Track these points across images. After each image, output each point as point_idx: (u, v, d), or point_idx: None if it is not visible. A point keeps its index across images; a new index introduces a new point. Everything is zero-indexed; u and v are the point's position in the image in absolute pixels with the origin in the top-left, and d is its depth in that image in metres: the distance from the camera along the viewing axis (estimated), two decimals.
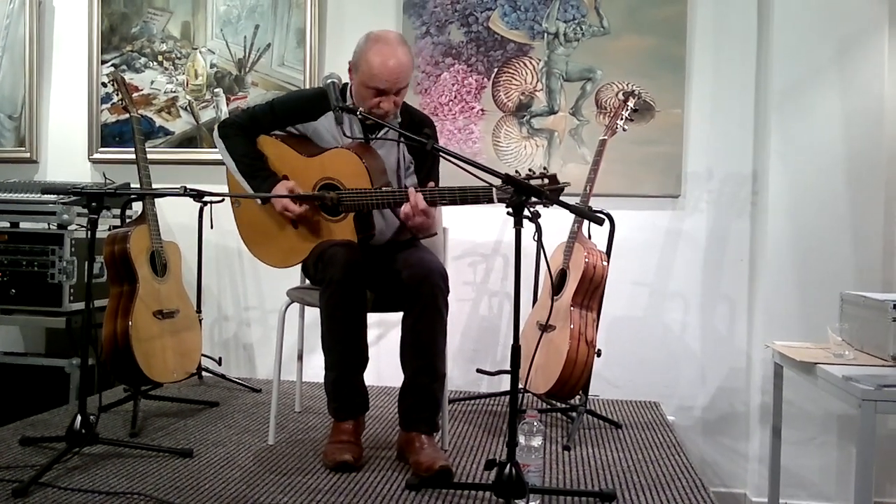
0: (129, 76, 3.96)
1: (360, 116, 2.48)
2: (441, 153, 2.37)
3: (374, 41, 2.57)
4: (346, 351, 2.55)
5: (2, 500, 2.17)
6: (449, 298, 2.55)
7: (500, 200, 2.21)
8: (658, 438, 3.01)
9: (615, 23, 3.65)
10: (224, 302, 3.99)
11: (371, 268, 2.56)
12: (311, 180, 2.65)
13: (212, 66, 3.95)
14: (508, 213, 2.10)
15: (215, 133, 2.78)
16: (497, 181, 2.19)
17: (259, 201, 2.69)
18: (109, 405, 3.10)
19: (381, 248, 2.71)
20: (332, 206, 2.59)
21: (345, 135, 2.62)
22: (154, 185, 3.21)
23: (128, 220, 3.24)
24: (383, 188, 2.59)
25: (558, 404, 3.26)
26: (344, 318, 2.52)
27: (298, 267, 3.06)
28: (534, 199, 2.09)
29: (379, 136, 2.70)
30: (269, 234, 2.74)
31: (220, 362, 3.74)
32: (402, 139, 2.64)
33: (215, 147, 3.85)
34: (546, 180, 2.14)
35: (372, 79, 2.54)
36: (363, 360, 2.59)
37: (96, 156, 4.04)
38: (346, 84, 2.73)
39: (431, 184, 2.59)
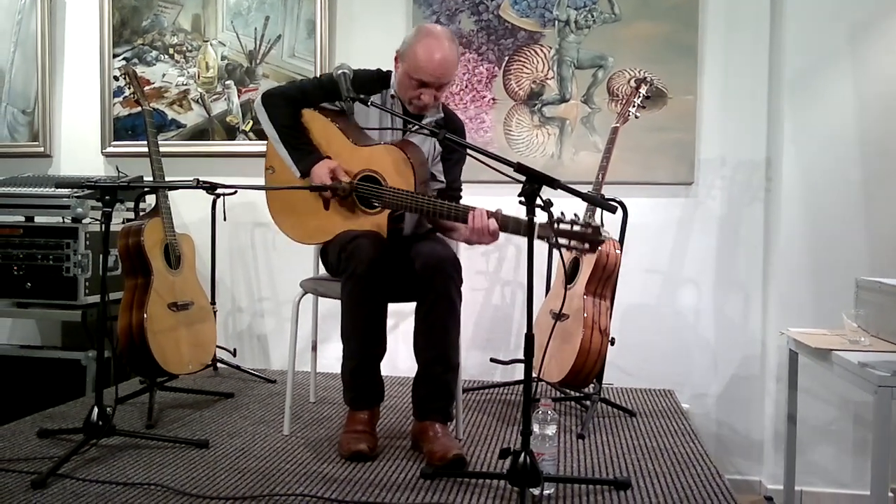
0: (140, 69, 3.97)
1: (370, 106, 2.47)
2: (452, 142, 2.36)
3: (425, 34, 2.59)
4: (365, 341, 2.56)
5: (21, 492, 2.19)
6: (462, 288, 2.55)
7: (539, 237, 2.20)
8: (672, 426, 3.00)
9: (626, 9, 3.62)
10: (238, 293, 4.01)
11: (388, 258, 2.57)
12: (355, 169, 2.64)
13: (223, 58, 3.96)
14: (521, 203, 2.10)
15: (258, 101, 2.75)
16: (509, 169, 2.18)
17: (297, 175, 2.67)
18: (126, 397, 3.12)
19: (399, 240, 2.71)
20: (367, 198, 2.59)
21: (360, 126, 2.62)
22: (167, 178, 3.22)
23: (141, 213, 3.26)
24: (422, 191, 2.59)
25: (572, 393, 3.26)
26: (365, 310, 2.52)
27: (311, 258, 3.07)
28: (576, 242, 2.12)
29: (382, 119, 2.72)
30: (298, 208, 2.73)
31: (234, 353, 3.76)
32: (412, 129, 2.64)
33: (227, 139, 3.94)
34: (590, 229, 2.15)
35: (417, 70, 2.56)
36: (381, 351, 2.60)
37: (109, 149, 4.06)
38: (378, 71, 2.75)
39: (487, 210, 2.54)
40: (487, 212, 2.45)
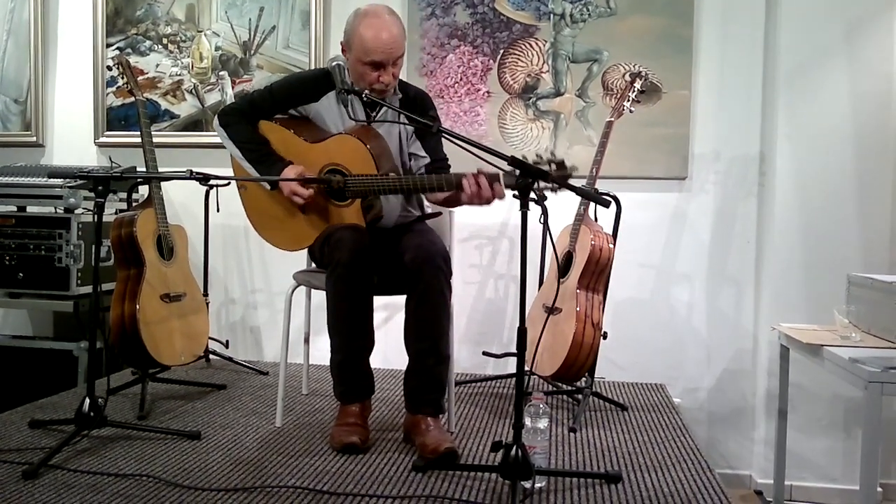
0: (133, 59, 3.96)
1: (365, 98, 2.46)
2: (446, 135, 2.35)
3: (364, 16, 2.56)
4: (352, 334, 2.55)
5: (12, 482, 2.19)
6: (455, 281, 2.55)
7: (507, 186, 2.18)
8: (664, 420, 3.01)
9: (622, 3, 3.62)
10: (231, 285, 4.00)
11: (375, 250, 2.56)
12: (317, 166, 2.63)
13: (217, 48, 3.94)
14: (514, 196, 2.09)
15: (215, 122, 2.75)
16: (503, 163, 2.17)
17: (268, 186, 2.68)
18: (117, 388, 3.12)
19: (387, 231, 2.71)
20: (339, 190, 2.58)
21: (350, 116, 2.61)
22: (160, 169, 3.21)
23: (134, 204, 3.25)
24: (390, 174, 2.58)
25: (564, 386, 3.27)
26: (350, 301, 2.52)
27: (304, 250, 3.07)
28: (543, 184, 2.08)
29: (379, 116, 2.69)
30: (277, 218, 2.73)
31: (227, 345, 3.76)
32: (406, 122, 2.64)
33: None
34: (553, 166, 2.13)
35: (367, 53, 2.53)
36: (369, 344, 2.60)
37: (102, 139, 4.05)
38: None
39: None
40: (469, 178, 2.38)
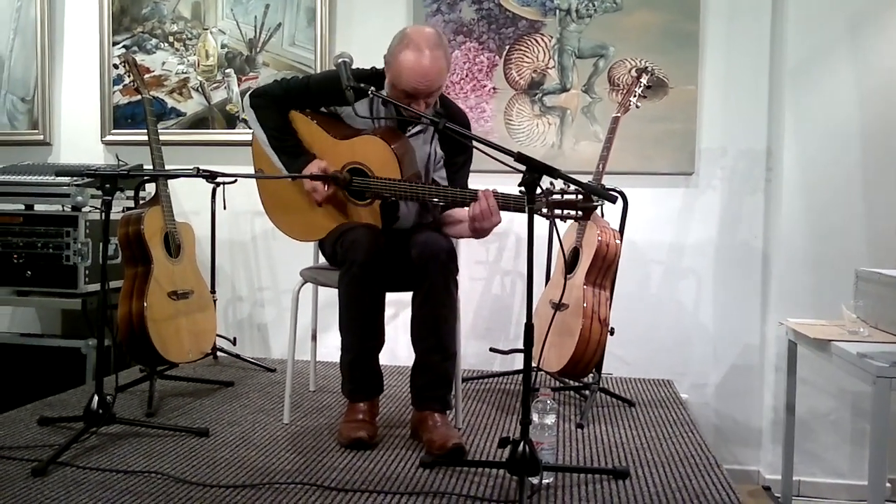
0: (140, 57, 3.96)
1: (371, 95, 2.45)
2: (452, 132, 2.35)
3: (407, 44, 2.49)
4: (363, 333, 2.56)
5: (21, 479, 2.20)
6: (462, 277, 2.55)
7: (531, 211, 2.17)
8: (671, 416, 3.01)
9: None
10: (238, 282, 4.01)
11: (387, 249, 2.56)
12: (339, 163, 2.62)
13: (223, 46, 3.94)
14: (521, 192, 2.10)
15: (246, 102, 2.73)
16: (509, 159, 2.17)
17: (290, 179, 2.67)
18: (126, 385, 3.13)
19: (401, 232, 2.69)
20: (359, 190, 2.58)
21: (357, 114, 2.60)
22: (167, 167, 3.22)
23: (141, 202, 3.26)
24: (414, 181, 2.57)
25: (571, 382, 3.27)
26: (363, 300, 2.52)
27: (311, 247, 3.07)
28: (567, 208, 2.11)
29: (413, 132, 2.68)
30: (292, 206, 2.72)
31: (234, 342, 3.76)
32: (416, 119, 2.61)
33: (227, 128, 3.94)
34: (580, 196, 2.13)
35: (401, 83, 2.49)
36: (379, 343, 2.60)
37: (109, 137, 4.06)
38: (374, 69, 2.67)
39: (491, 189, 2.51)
40: (485, 191, 2.43)
